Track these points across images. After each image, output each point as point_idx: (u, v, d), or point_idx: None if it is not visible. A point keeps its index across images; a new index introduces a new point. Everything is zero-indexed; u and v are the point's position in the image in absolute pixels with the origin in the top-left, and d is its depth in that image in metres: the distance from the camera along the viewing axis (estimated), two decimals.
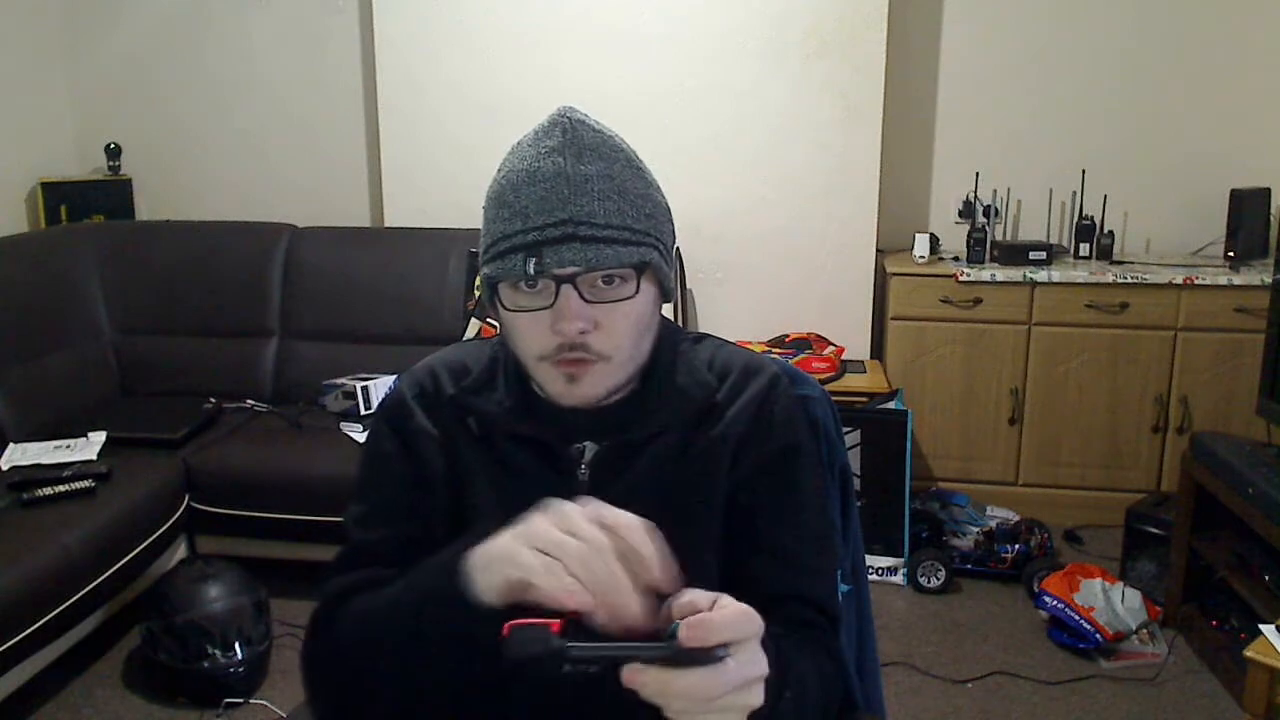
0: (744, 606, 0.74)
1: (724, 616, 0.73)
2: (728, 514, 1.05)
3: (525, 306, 0.97)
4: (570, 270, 0.94)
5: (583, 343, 0.96)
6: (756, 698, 0.75)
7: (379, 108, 3.71)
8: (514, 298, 0.98)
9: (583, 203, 0.94)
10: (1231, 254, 3.47)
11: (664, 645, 0.71)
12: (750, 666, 0.74)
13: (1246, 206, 3.47)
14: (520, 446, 1.05)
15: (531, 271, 0.94)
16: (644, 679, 0.71)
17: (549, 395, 1.02)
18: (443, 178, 3.68)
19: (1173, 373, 3.38)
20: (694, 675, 0.71)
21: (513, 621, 0.73)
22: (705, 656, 0.71)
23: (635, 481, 1.03)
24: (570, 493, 1.02)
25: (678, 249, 1.03)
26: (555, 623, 0.73)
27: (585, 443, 1.04)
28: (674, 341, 1.10)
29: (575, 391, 0.99)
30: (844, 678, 1.09)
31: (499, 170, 1.01)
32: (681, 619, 0.72)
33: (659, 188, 1.03)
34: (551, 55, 3.58)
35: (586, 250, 0.94)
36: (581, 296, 0.95)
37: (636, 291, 0.98)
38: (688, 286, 3.69)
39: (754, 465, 1.06)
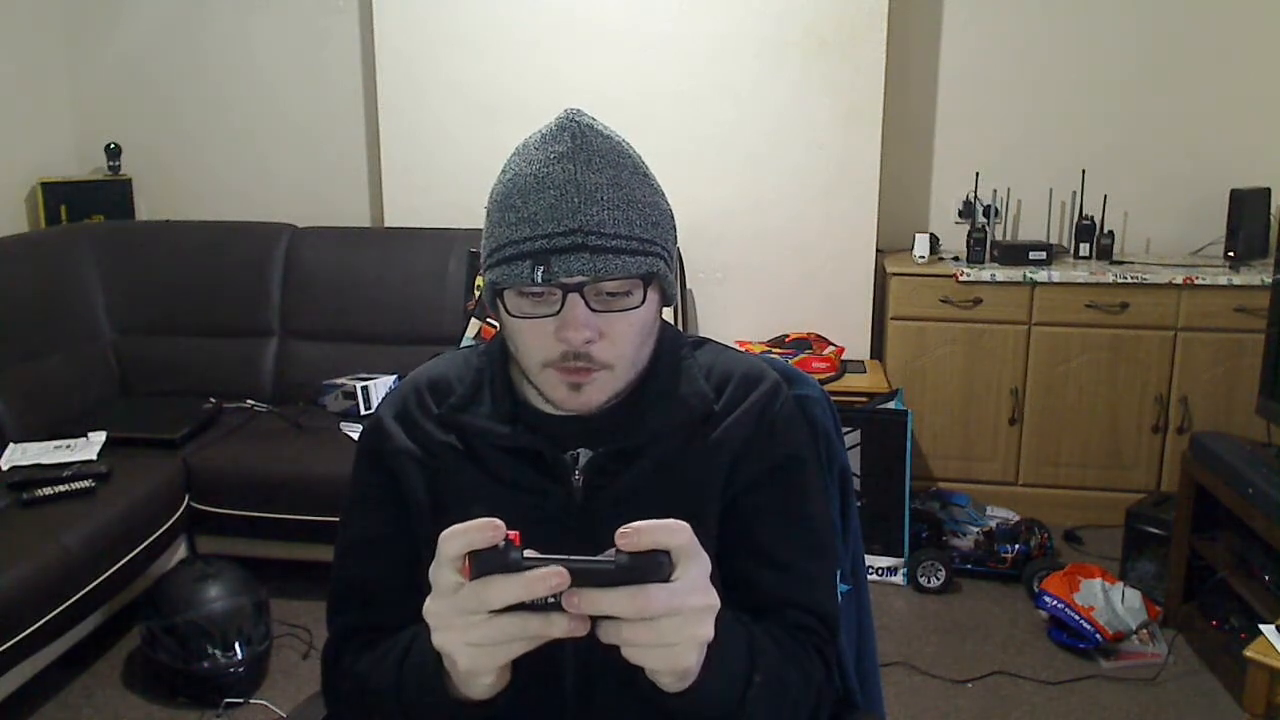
0: (673, 520, 0.76)
1: (651, 521, 0.75)
2: (726, 521, 1.05)
3: (530, 313, 0.96)
4: (578, 279, 0.93)
5: (586, 351, 0.96)
6: (706, 629, 0.77)
7: (379, 108, 3.71)
8: (519, 304, 0.97)
9: (592, 211, 0.94)
10: (1231, 254, 3.47)
11: (611, 559, 0.74)
12: (692, 589, 0.76)
13: (1246, 206, 3.47)
14: (513, 458, 1.04)
15: (539, 279, 0.93)
16: (580, 598, 0.73)
17: (551, 402, 1.02)
18: (443, 178, 3.68)
19: (1173, 373, 3.38)
20: (629, 589, 0.73)
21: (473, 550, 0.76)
22: (651, 571, 0.73)
23: (630, 487, 1.03)
24: (567, 500, 1.03)
25: (678, 250, 1.03)
26: (515, 534, 0.76)
27: (579, 450, 1.04)
28: (674, 347, 1.10)
29: (578, 398, 0.98)
30: (839, 684, 1.09)
31: (504, 172, 1.00)
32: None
33: (663, 193, 1.03)
34: (551, 55, 3.58)
35: (595, 260, 0.93)
36: (588, 305, 0.94)
37: (643, 301, 0.98)
38: (688, 286, 3.69)
39: (754, 474, 1.05)
